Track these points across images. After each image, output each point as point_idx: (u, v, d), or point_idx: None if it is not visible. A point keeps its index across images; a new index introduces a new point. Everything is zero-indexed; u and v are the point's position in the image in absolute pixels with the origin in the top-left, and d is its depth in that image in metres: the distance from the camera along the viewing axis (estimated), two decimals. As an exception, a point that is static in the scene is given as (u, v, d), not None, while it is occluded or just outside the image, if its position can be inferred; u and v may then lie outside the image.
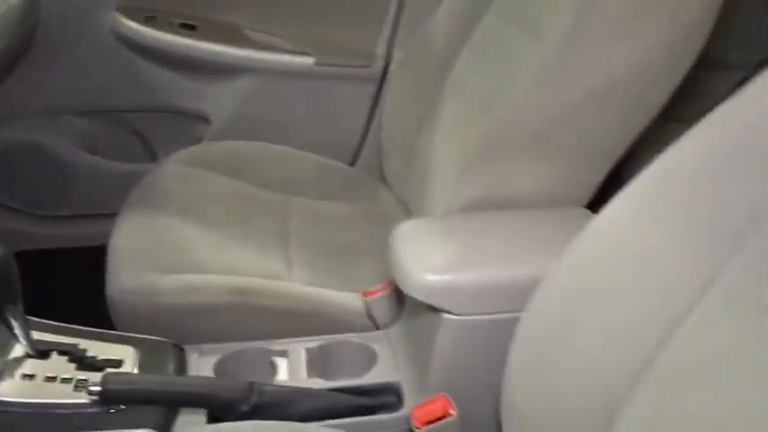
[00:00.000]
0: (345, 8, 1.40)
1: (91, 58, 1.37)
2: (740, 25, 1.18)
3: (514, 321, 0.63)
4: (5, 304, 0.72)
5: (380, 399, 0.84)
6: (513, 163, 0.89)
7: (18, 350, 0.77)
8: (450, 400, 0.76)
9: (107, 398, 0.70)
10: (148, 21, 1.35)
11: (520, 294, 0.64)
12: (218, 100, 1.41)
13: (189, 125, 1.43)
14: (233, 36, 1.38)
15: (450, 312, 0.76)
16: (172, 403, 0.74)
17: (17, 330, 0.74)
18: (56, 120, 1.40)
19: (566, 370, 0.60)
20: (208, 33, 1.37)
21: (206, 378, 0.81)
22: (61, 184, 1.40)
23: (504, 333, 0.65)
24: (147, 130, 1.45)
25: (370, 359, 0.89)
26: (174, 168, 1.21)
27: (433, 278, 0.76)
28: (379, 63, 1.40)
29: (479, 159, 0.90)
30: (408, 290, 0.77)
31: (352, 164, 1.44)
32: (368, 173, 1.39)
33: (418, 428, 0.75)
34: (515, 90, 0.89)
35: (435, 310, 0.77)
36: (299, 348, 0.90)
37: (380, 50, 1.40)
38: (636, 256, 0.58)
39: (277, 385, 0.81)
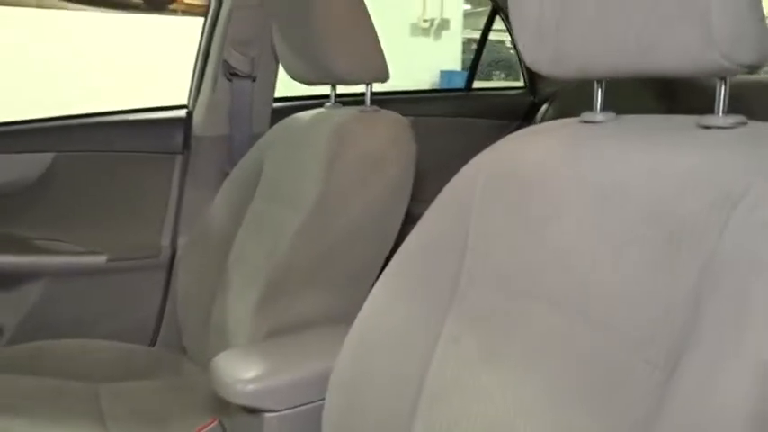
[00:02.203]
0: (130, 208, 1.58)
1: None
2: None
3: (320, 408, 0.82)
4: None
5: None
6: (292, 297, 1.12)
7: None
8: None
9: None
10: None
11: (321, 384, 0.85)
12: (12, 308, 1.46)
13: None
14: (22, 246, 1.48)
15: (270, 411, 0.92)
16: None
17: None
18: None
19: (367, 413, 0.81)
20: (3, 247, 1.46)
21: None
22: None
23: (317, 419, 0.83)
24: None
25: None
26: None
27: (251, 386, 0.92)
28: (167, 252, 1.58)
29: (267, 299, 1.12)
30: (233, 399, 0.92)
31: (152, 344, 1.54)
32: (168, 350, 1.51)
33: None
34: (282, 248, 1.15)
35: (259, 413, 0.93)
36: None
37: (165, 241, 1.58)
38: (388, 328, 0.83)
39: None
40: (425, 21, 7.31)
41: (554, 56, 0.70)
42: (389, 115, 1.20)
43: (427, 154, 1.26)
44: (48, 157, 1.49)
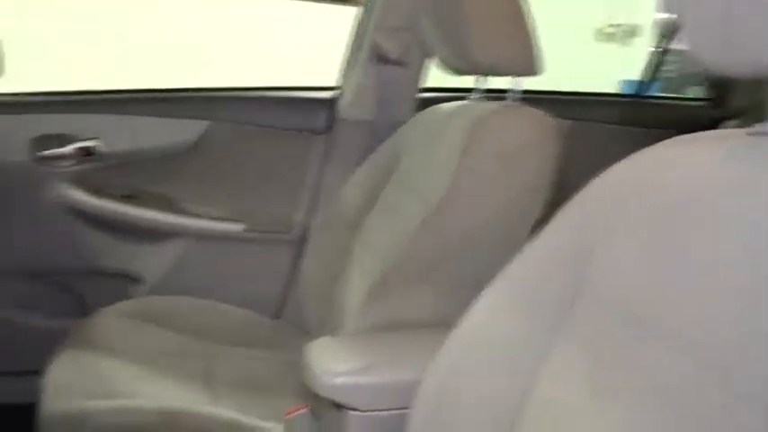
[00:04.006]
0: (269, 182, 1.62)
1: (36, 227, 1.52)
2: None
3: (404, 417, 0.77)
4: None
5: None
6: (402, 292, 1.07)
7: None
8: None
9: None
10: (96, 192, 1.53)
11: (410, 391, 0.79)
12: (152, 261, 1.56)
13: (122, 285, 1.56)
14: (168, 205, 1.57)
15: (355, 409, 0.88)
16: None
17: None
18: (-3, 280, 1.51)
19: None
20: (147, 202, 1.55)
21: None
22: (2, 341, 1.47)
23: (402, 427, 0.78)
24: (82, 290, 1.57)
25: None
26: (105, 318, 1.32)
27: (338, 379, 0.89)
28: (299, 229, 1.60)
29: (377, 290, 1.08)
30: (319, 390, 0.90)
31: (275, 318, 1.57)
32: (290, 326, 1.53)
33: None
34: (403, 240, 1.11)
35: (343, 409, 0.90)
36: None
37: (299, 218, 1.60)
38: (488, 341, 0.76)
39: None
40: (611, 26, 6.93)
41: (721, 47, 0.57)
42: (533, 112, 1.11)
43: (584, 162, 1.15)
44: (202, 124, 1.56)
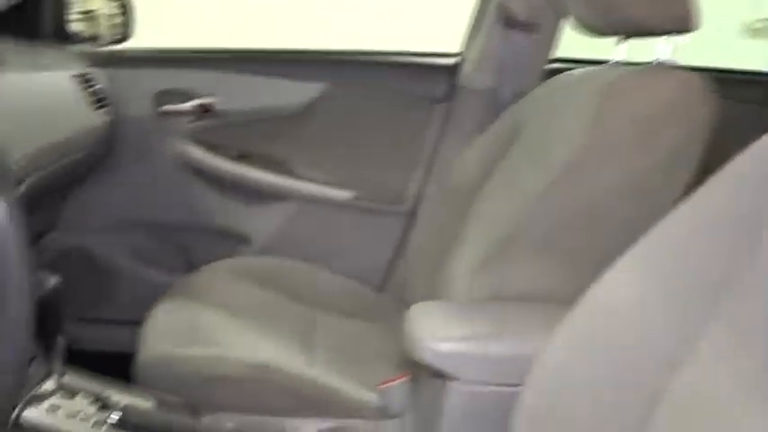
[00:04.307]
0: (383, 150, 1.56)
1: (152, 181, 1.54)
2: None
3: (515, 395, 0.68)
4: (50, 333, 0.79)
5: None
6: (518, 263, 0.97)
7: (49, 384, 0.83)
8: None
9: (124, 425, 0.75)
10: (211, 150, 1.53)
11: (521, 368, 0.69)
12: (260, 222, 1.55)
13: (230, 244, 1.56)
14: (280, 167, 1.55)
15: (455, 379, 0.80)
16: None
17: (55, 363, 0.80)
18: (109, 230, 1.54)
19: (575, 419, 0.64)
20: (259, 163, 1.54)
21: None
22: (105, 290, 1.51)
23: (506, 406, 0.69)
24: (191, 246, 1.58)
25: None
26: (208, 274, 1.31)
27: (443, 345, 0.81)
28: (411, 200, 1.53)
29: (491, 260, 0.99)
30: (421, 356, 0.82)
31: (379, 290, 1.52)
32: (393, 298, 1.46)
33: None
34: (521, 210, 1.01)
35: (444, 379, 0.82)
36: (312, 428, 0.94)
37: (412, 189, 1.54)
38: (619, 321, 0.65)
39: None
40: (760, 21, 6.39)
41: None
42: (678, 73, 0.97)
43: (727, 142, 1.01)
44: (318, 87, 1.53)
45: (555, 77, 1.24)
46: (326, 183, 1.54)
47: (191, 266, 1.58)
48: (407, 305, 1.37)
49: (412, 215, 1.53)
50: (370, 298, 1.45)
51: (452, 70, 1.53)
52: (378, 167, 1.55)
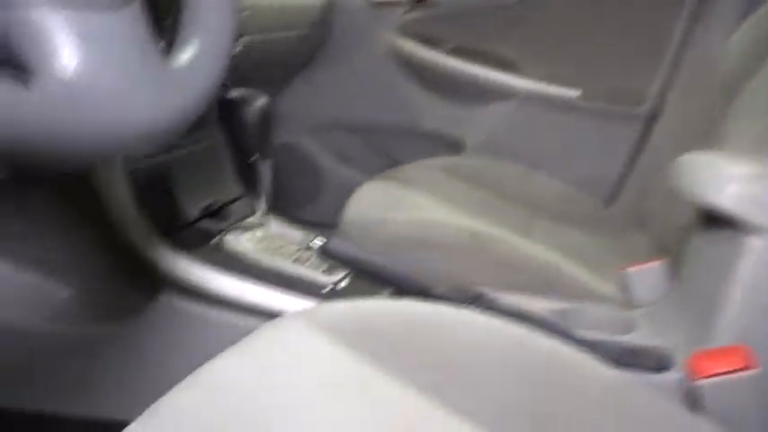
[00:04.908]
0: (621, 45, 1.35)
1: (364, 76, 1.46)
2: None
3: None
4: (259, 155, 0.72)
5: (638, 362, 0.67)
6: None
7: (253, 219, 0.76)
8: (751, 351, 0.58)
9: (326, 253, 0.66)
10: (424, 43, 1.42)
11: None
12: (474, 125, 1.41)
13: (439, 147, 1.43)
14: (499, 63, 1.40)
15: (756, 231, 0.60)
16: (388, 281, 0.66)
17: (260, 185, 0.73)
18: (314, 129, 1.49)
19: None
20: (477, 58, 1.40)
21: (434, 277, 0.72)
22: (311, 190, 1.46)
23: None
24: (397, 149, 1.48)
25: (622, 327, 0.74)
26: (416, 167, 1.20)
27: (739, 185, 0.61)
28: (652, 102, 1.31)
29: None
30: (704, 198, 0.63)
31: (608, 204, 1.31)
32: (624, 215, 1.25)
33: (698, 381, 0.57)
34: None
35: (734, 233, 0.62)
36: (536, 306, 0.78)
37: (653, 89, 1.31)
38: None
39: (510, 305, 0.69)
40: None
41: None
42: None
43: None
44: None
45: None
46: (552, 80, 1.36)
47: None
48: (641, 224, 1.17)
49: (651, 119, 1.30)
50: (596, 211, 1.25)
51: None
52: (613, 62, 1.33)
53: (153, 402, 0.41)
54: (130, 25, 0.37)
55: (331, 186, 1.46)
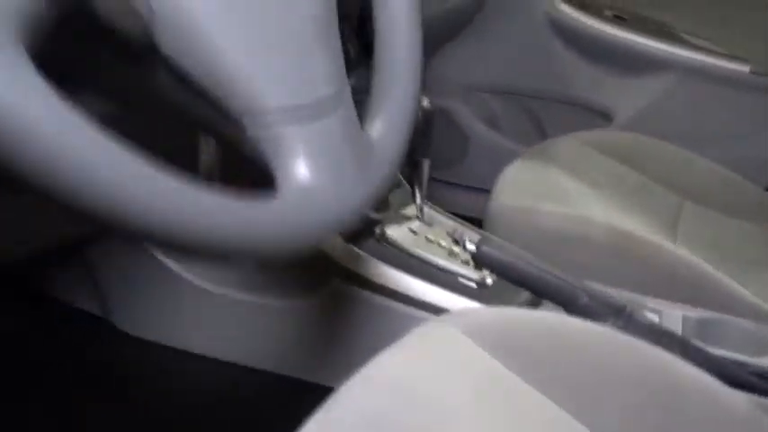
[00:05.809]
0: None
1: (519, 41, 1.45)
2: None
3: None
4: (419, 156, 0.77)
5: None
6: None
7: (410, 210, 0.83)
8: None
9: (478, 258, 0.71)
10: (582, 8, 1.39)
11: None
12: (628, 97, 1.37)
13: (590, 118, 1.42)
14: (661, 32, 1.34)
15: None
16: (538, 290, 0.71)
17: (417, 186, 0.79)
18: (467, 94, 1.51)
19: None
20: (637, 27, 1.35)
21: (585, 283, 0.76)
22: (460, 152, 1.50)
23: None
24: (547, 118, 1.48)
25: (764, 346, 0.74)
26: (563, 141, 1.19)
27: None
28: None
29: None
30: None
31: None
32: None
33: None
34: None
35: None
36: (675, 313, 0.80)
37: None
38: None
39: (653, 322, 0.72)
40: None
41: None
42: None
43: None
44: None
45: None
46: (718, 52, 1.29)
47: (543, 139, 1.50)
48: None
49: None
50: (760, 197, 1.20)
51: None
52: None
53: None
54: (345, 123, 0.40)
55: (480, 149, 1.49)
